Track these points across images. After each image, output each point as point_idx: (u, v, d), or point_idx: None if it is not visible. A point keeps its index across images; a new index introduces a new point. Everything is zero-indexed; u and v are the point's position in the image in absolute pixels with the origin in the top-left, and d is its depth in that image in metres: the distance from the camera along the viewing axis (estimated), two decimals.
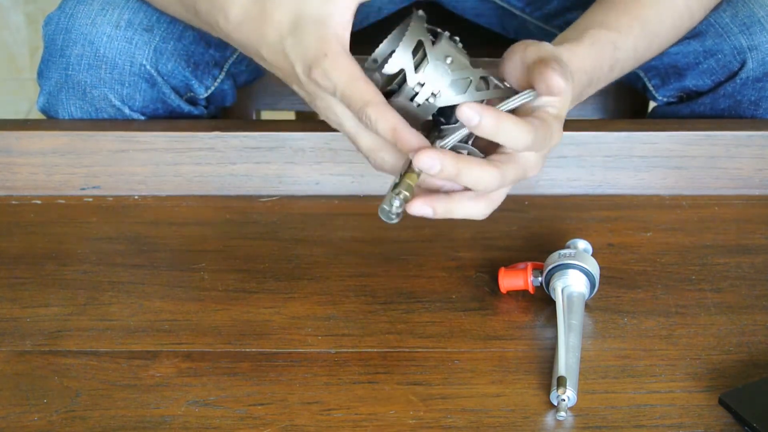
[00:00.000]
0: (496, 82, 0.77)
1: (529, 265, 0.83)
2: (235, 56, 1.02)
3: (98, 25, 0.94)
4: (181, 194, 0.95)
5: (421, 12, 0.75)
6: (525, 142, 0.71)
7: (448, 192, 0.75)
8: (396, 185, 0.72)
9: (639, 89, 1.09)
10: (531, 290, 0.83)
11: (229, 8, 0.78)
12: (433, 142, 0.74)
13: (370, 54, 0.78)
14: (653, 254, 0.88)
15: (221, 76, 1.01)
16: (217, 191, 0.96)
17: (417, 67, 0.74)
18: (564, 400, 0.72)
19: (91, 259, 0.88)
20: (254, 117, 1.25)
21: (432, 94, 0.74)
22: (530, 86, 0.76)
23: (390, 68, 0.74)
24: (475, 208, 0.75)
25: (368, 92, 0.72)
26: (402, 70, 0.74)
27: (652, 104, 1.11)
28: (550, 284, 0.81)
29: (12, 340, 0.79)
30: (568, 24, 1.13)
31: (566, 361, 0.74)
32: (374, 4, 1.17)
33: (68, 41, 0.94)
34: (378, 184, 0.95)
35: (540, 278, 0.82)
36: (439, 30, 0.76)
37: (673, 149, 0.95)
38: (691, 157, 0.95)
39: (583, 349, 0.77)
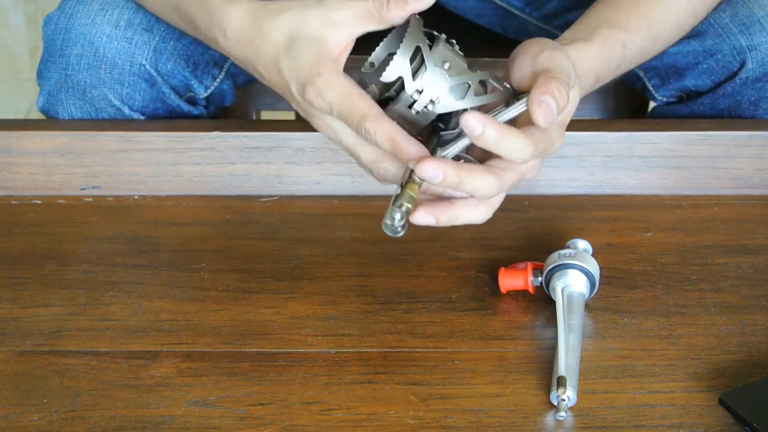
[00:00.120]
0: (494, 84, 0.76)
1: (529, 265, 0.83)
2: None
3: (98, 25, 0.94)
4: (181, 194, 0.95)
5: (418, 15, 0.75)
6: (524, 156, 0.71)
7: (449, 200, 0.75)
8: (396, 198, 0.72)
9: (639, 89, 1.09)
10: (531, 290, 0.83)
11: (227, 26, 0.79)
12: (432, 149, 0.74)
13: (368, 55, 0.78)
14: (653, 254, 0.88)
15: (221, 76, 1.01)
16: (217, 191, 0.96)
17: (415, 74, 0.73)
18: (564, 400, 0.72)
19: (91, 259, 0.88)
20: (254, 117, 1.25)
21: (431, 101, 0.73)
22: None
23: (388, 76, 0.73)
24: (476, 214, 0.75)
25: (364, 106, 0.73)
26: (400, 78, 0.73)
27: (652, 104, 1.11)
28: (550, 284, 0.81)
29: (12, 340, 0.79)
30: (568, 24, 1.13)
31: (566, 361, 0.74)
32: None
33: (68, 41, 0.94)
34: (378, 184, 0.95)
35: (540, 278, 0.82)
36: (435, 33, 0.76)
37: (673, 149, 0.95)
38: (691, 157, 0.95)
39: (583, 349, 0.77)
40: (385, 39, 0.77)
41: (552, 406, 0.73)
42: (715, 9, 0.99)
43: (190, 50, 0.97)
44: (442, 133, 0.76)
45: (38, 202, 0.95)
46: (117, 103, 0.96)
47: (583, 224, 0.92)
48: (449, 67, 0.73)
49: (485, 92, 0.75)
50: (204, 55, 0.99)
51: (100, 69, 0.94)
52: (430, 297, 0.84)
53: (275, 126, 0.96)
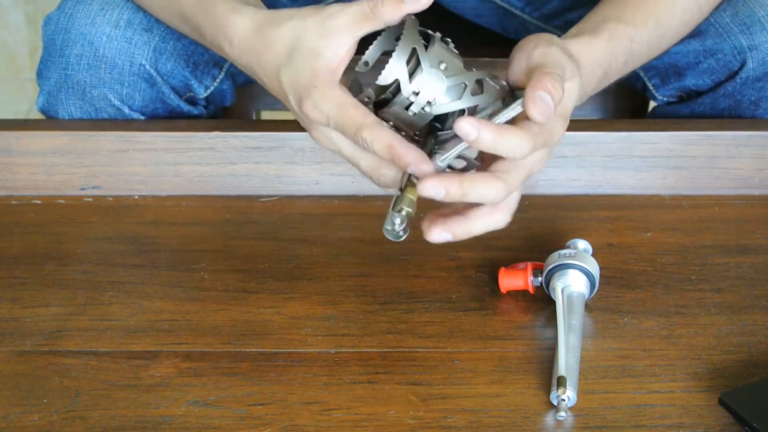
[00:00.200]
0: (491, 83, 0.76)
1: (529, 265, 0.83)
2: None
3: (98, 25, 0.94)
4: (181, 194, 0.95)
5: (413, 16, 0.75)
6: (524, 151, 0.71)
7: (463, 212, 0.75)
8: (396, 202, 0.72)
9: (639, 89, 1.09)
10: (531, 290, 0.83)
11: (232, 35, 0.80)
12: (430, 151, 0.74)
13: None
14: (653, 254, 0.88)
15: (221, 76, 1.01)
16: (217, 191, 0.96)
17: (411, 76, 0.73)
18: (564, 400, 0.72)
19: (91, 259, 0.88)
20: (254, 117, 1.25)
21: (428, 102, 0.73)
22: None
23: (384, 79, 0.73)
24: (492, 221, 0.75)
25: (359, 116, 0.73)
26: (396, 80, 0.73)
27: (652, 104, 1.11)
28: (550, 284, 0.81)
29: (12, 340, 0.79)
30: (568, 24, 1.13)
31: (566, 361, 0.74)
32: None
33: (68, 41, 0.94)
34: None
35: (540, 278, 0.82)
36: (431, 32, 0.76)
37: (673, 149, 0.95)
38: (691, 157, 0.95)
39: (583, 349, 0.77)
40: (378, 37, 0.76)
41: (552, 406, 0.73)
42: (716, 8, 0.99)
43: (190, 50, 0.97)
44: (439, 133, 0.76)
45: (38, 202, 0.95)
46: (117, 103, 0.96)
47: (583, 224, 0.92)
48: (445, 68, 0.73)
49: (482, 91, 0.75)
50: (204, 55, 0.99)
51: (100, 69, 0.94)
52: (430, 297, 0.84)
53: (275, 126, 0.96)
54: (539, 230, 0.92)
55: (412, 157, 0.72)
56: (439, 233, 0.74)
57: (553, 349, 0.78)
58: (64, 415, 0.73)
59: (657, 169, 0.95)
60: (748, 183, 0.95)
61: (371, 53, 0.76)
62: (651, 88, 1.05)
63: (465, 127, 0.69)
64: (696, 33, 0.98)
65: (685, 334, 0.80)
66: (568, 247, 0.83)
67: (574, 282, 0.80)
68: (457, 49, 0.76)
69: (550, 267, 0.81)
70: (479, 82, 0.75)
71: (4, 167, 0.95)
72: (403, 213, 0.72)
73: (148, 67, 0.95)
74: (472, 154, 0.76)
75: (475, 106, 0.74)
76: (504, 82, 0.77)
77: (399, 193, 0.73)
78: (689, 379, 0.76)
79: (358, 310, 0.82)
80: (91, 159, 0.94)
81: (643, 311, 0.82)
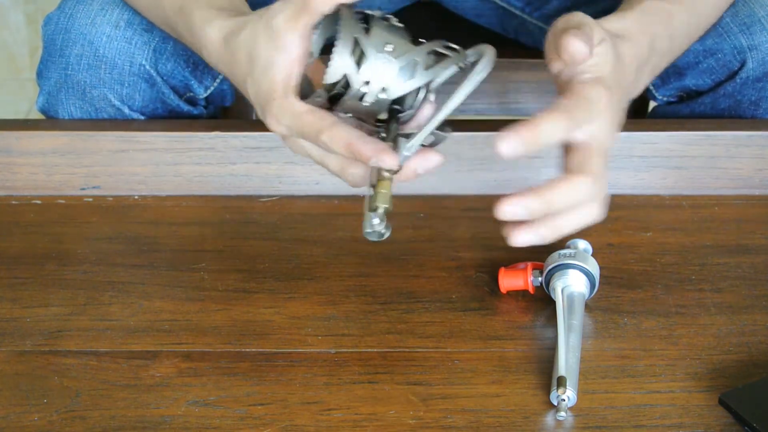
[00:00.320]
0: (443, 51, 0.73)
1: (529, 265, 0.83)
2: None
3: (98, 25, 0.94)
4: (181, 194, 0.95)
5: (345, 7, 0.72)
6: (561, 132, 0.69)
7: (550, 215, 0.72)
8: (370, 201, 0.71)
9: None
10: (531, 290, 0.83)
11: (206, 46, 0.81)
12: (395, 137, 0.72)
13: None
14: (653, 254, 0.88)
15: (220, 76, 1.01)
16: (217, 191, 0.95)
17: (358, 66, 0.71)
18: (564, 400, 0.72)
19: (91, 259, 0.88)
20: (254, 117, 1.25)
21: (381, 89, 0.72)
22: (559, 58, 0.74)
23: (331, 77, 0.71)
24: (586, 215, 0.72)
25: (316, 121, 0.73)
26: (345, 75, 0.71)
27: (652, 104, 1.11)
28: (550, 284, 0.81)
29: (12, 340, 0.79)
30: None
31: (566, 361, 0.74)
32: (374, 4, 1.17)
33: (68, 41, 0.94)
34: None
35: (540, 278, 0.82)
36: (369, 12, 0.73)
37: (673, 149, 0.95)
38: (691, 157, 0.95)
39: (583, 349, 0.77)
40: (317, 29, 0.75)
41: (552, 406, 0.73)
42: None
43: (190, 50, 0.97)
44: (400, 115, 0.74)
45: (38, 202, 0.95)
46: (117, 103, 0.96)
47: None
48: (393, 49, 0.71)
49: (435, 62, 0.73)
50: None
51: (100, 69, 0.94)
52: (430, 297, 0.84)
53: None
54: None
55: (371, 150, 0.71)
56: (525, 235, 0.71)
57: (553, 349, 0.78)
58: (64, 415, 0.73)
59: (657, 169, 0.95)
60: (748, 183, 0.95)
61: (314, 45, 0.74)
62: (651, 87, 1.05)
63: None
64: None
65: (685, 334, 0.80)
66: (568, 247, 0.83)
67: (574, 282, 0.80)
68: (401, 23, 0.74)
69: (550, 267, 0.81)
70: (432, 53, 0.73)
71: (4, 167, 0.95)
72: (380, 211, 0.70)
73: (148, 67, 0.95)
74: (440, 128, 0.74)
75: (431, 81, 0.73)
76: (458, 48, 0.74)
77: (372, 190, 0.72)
78: (689, 379, 0.76)
79: (358, 310, 0.82)
80: (91, 159, 0.94)
81: (643, 311, 0.82)
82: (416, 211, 0.94)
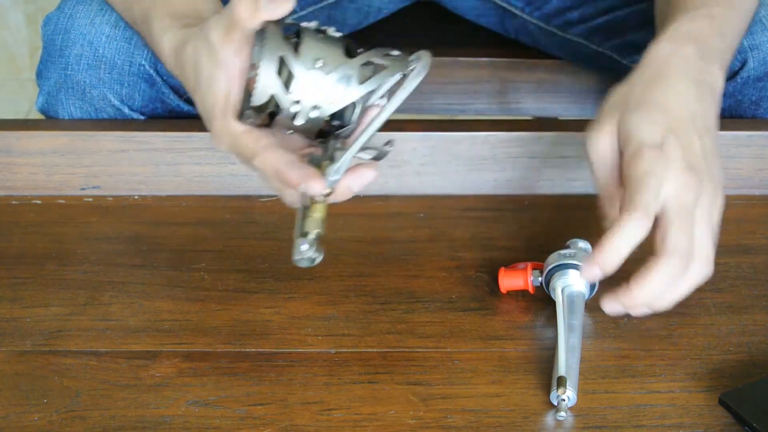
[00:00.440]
0: (379, 62, 0.70)
1: (529, 265, 0.83)
2: None
3: (97, 25, 0.94)
4: (181, 194, 0.95)
5: (271, 22, 0.70)
6: (636, 234, 0.70)
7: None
8: (299, 226, 0.70)
9: None
10: (531, 290, 0.83)
11: (161, 56, 0.82)
12: (332, 154, 0.71)
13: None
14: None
15: None
16: (217, 191, 0.95)
17: (287, 86, 0.69)
18: (564, 400, 0.72)
19: (91, 259, 0.88)
20: None
21: (313, 107, 0.70)
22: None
23: (258, 99, 0.69)
24: (684, 287, 0.72)
25: (251, 144, 0.72)
26: (273, 96, 0.69)
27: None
28: (550, 284, 0.81)
29: (12, 340, 0.79)
30: (567, 24, 1.14)
31: (566, 361, 0.74)
32: (374, 4, 1.17)
33: (67, 41, 0.94)
34: (377, 184, 0.95)
35: (540, 278, 0.82)
36: (301, 25, 0.70)
37: None
38: None
39: (583, 349, 0.77)
40: (257, 41, 0.72)
41: (552, 406, 0.73)
42: None
43: None
44: (337, 132, 0.72)
45: (38, 202, 0.95)
46: (116, 103, 0.96)
47: (583, 224, 0.92)
48: (323, 64, 0.69)
49: (373, 73, 0.70)
50: None
51: (100, 69, 0.94)
52: (430, 297, 0.84)
53: None
54: (539, 230, 0.92)
55: (298, 177, 0.70)
56: (612, 305, 0.73)
57: (553, 349, 0.78)
58: (64, 415, 0.73)
59: None
60: (748, 183, 0.95)
61: (254, 57, 0.71)
62: None
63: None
64: None
65: (685, 334, 0.80)
66: (568, 247, 0.83)
67: (574, 282, 0.80)
68: (339, 31, 0.71)
69: (550, 267, 0.81)
70: (368, 64, 0.71)
71: (4, 167, 0.95)
72: (311, 237, 0.69)
73: (147, 67, 0.94)
74: (378, 142, 0.72)
75: (368, 93, 0.71)
76: (396, 53, 0.71)
77: (303, 212, 0.70)
78: (689, 379, 0.76)
79: (358, 310, 0.82)
80: (91, 159, 0.94)
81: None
82: (416, 211, 0.94)
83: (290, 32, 0.71)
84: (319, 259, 0.69)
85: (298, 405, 0.74)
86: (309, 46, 0.70)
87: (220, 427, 0.72)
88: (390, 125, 0.95)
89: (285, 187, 0.73)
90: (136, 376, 0.76)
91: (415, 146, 0.94)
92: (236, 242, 0.90)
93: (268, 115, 0.71)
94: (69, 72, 0.95)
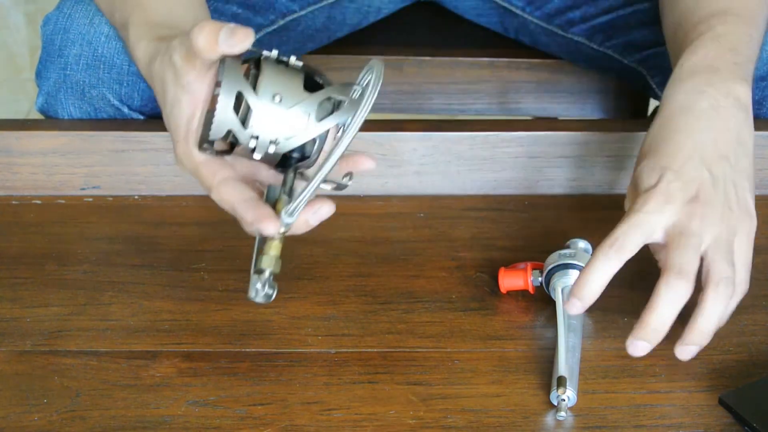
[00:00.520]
0: (339, 98, 0.69)
1: (529, 265, 0.83)
2: None
3: (96, 25, 0.94)
4: (181, 194, 0.95)
5: (230, 55, 0.68)
6: (603, 269, 0.74)
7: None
8: (255, 263, 0.70)
9: (640, 88, 1.09)
10: (531, 290, 0.83)
11: (137, 64, 0.81)
12: (290, 188, 0.71)
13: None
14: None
15: None
16: None
17: (245, 121, 0.68)
18: (564, 400, 0.72)
19: (91, 259, 0.88)
20: None
21: (270, 142, 0.69)
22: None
23: (216, 134, 0.69)
24: (717, 307, 0.74)
25: (209, 177, 0.72)
26: (230, 131, 0.69)
27: (652, 104, 1.11)
28: (550, 284, 0.81)
29: (12, 340, 0.79)
30: (568, 23, 1.13)
31: (566, 361, 0.74)
32: (374, 4, 1.17)
33: (66, 41, 0.94)
34: (378, 184, 0.96)
35: (540, 278, 0.82)
36: (264, 55, 0.70)
37: None
38: None
39: (583, 349, 0.77)
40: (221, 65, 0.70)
41: (552, 406, 0.73)
42: None
43: None
44: (299, 164, 0.72)
45: (38, 202, 0.95)
46: (116, 102, 0.96)
47: (583, 224, 0.92)
48: (281, 100, 0.68)
49: (332, 109, 0.70)
50: None
51: (99, 69, 0.94)
52: (430, 297, 0.84)
53: None
54: (539, 230, 0.92)
55: (252, 217, 0.70)
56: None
57: (553, 349, 0.78)
58: (64, 415, 0.73)
59: None
60: None
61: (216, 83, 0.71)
62: (654, 86, 1.05)
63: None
64: None
65: None
66: (568, 247, 0.83)
67: (574, 282, 0.80)
68: (300, 61, 0.70)
69: (550, 267, 0.81)
70: (327, 101, 0.70)
71: (4, 167, 0.95)
72: (266, 275, 0.69)
73: None
74: (338, 176, 0.71)
75: (327, 132, 0.70)
76: (356, 89, 0.70)
77: (259, 246, 0.70)
78: (689, 379, 0.76)
79: (358, 310, 0.82)
80: (91, 159, 0.94)
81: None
82: (416, 211, 0.94)
83: (251, 59, 0.71)
84: (274, 294, 0.70)
85: (298, 405, 0.74)
86: (268, 79, 0.69)
87: (220, 427, 0.72)
88: (390, 125, 0.95)
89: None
90: (136, 376, 0.76)
91: (415, 146, 0.94)
92: (236, 242, 0.90)
93: (228, 143, 0.71)
94: (68, 72, 0.95)
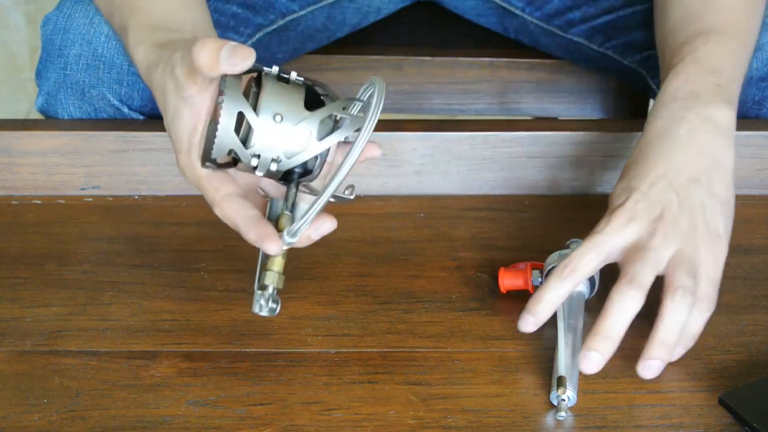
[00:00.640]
0: (341, 115, 0.70)
1: (529, 265, 0.83)
2: None
3: (96, 25, 0.94)
4: (181, 194, 0.95)
5: (231, 74, 0.68)
6: (557, 288, 0.76)
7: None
8: (258, 279, 0.71)
9: (640, 88, 1.09)
10: (531, 290, 0.83)
11: (136, 67, 0.81)
12: (293, 203, 0.71)
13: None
14: None
15: None
16: None
17: (246, 141, 0.69)
18: (564, 400, 0.72)
19: (91, 259, 0.88)
20: None
21: (272, 160, 0.69)
22: None
23: (218, 152, 0.69)
24: (670, 320, 0.75)
25: (212, 191, 0.73)
26: (232, 150, 0.69)
27: (652, 104, 1.11)
28: None
29: (12, 340, 0.79)
30: (568, 24, 1.13)
31: (566, 361, 0.74)
32: (374, 4, 1.17)
33: (66, 41, 0.94)
34: (378, 183, 0.96)
35: (540, 278, 0.82)
36: (265, 71, 0.70)
37: None
38: None
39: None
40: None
41: (552, 406, 0.73)
42: None
43: None
44: (301, 179, 0.72)
45: (38, 202, 0.95)
46: (116, 102, 0.96)
47: (583, 224, 0.92)
48: (282, 119, 0.69)
49: (333, 128, 0.70)
50: None
51: (99, 69, 0.94)
52: (430, 297, 0.84)
53: None
54: (539, 230, 0.92)
55: (254, 235, 0.70)
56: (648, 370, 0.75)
57: (553, 349, 0.78)
58: (64, 415, 0.73)
59: None
60: (748, 183, 0.95)
61: (217, 98, 0.71)
62: (654, 86, 1.05)
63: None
64: None
65: None
66: (568, 247, 0.83)
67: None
68: (301, 77, 0.70)
69: (550, 267, 0.81)
70: (329, 118, 0.70)
71: (4, 167, 0.95)
72: (269, 291, 0.70)
73: None
74: (340, 191, 0.71)
75: (328, 150, 0.71)
76: (358, 106, 0.71)
77: (263, 261, 0.71)
78: (689, 379, 0.76)
79: (358, 310, 0.82)
80: (91, 159, 0.94)
81: (643, 311, 0.82)
82: (416, 211, 0.94)
83: (251, 74, 0.71)
84: (278, 308, 0.71)
85: (298, 405, 0.74)
86: (269, 97, 0.69)
87: (220, 427, 0.72)
88: (390, 125, 0.95)
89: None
90: (136, 376, 0.76)
91: (415, 146, 0.94)
92: (236, 242, 0.89)
93: (232, 158, 0.72)
94: (68, 72, 0.95)
